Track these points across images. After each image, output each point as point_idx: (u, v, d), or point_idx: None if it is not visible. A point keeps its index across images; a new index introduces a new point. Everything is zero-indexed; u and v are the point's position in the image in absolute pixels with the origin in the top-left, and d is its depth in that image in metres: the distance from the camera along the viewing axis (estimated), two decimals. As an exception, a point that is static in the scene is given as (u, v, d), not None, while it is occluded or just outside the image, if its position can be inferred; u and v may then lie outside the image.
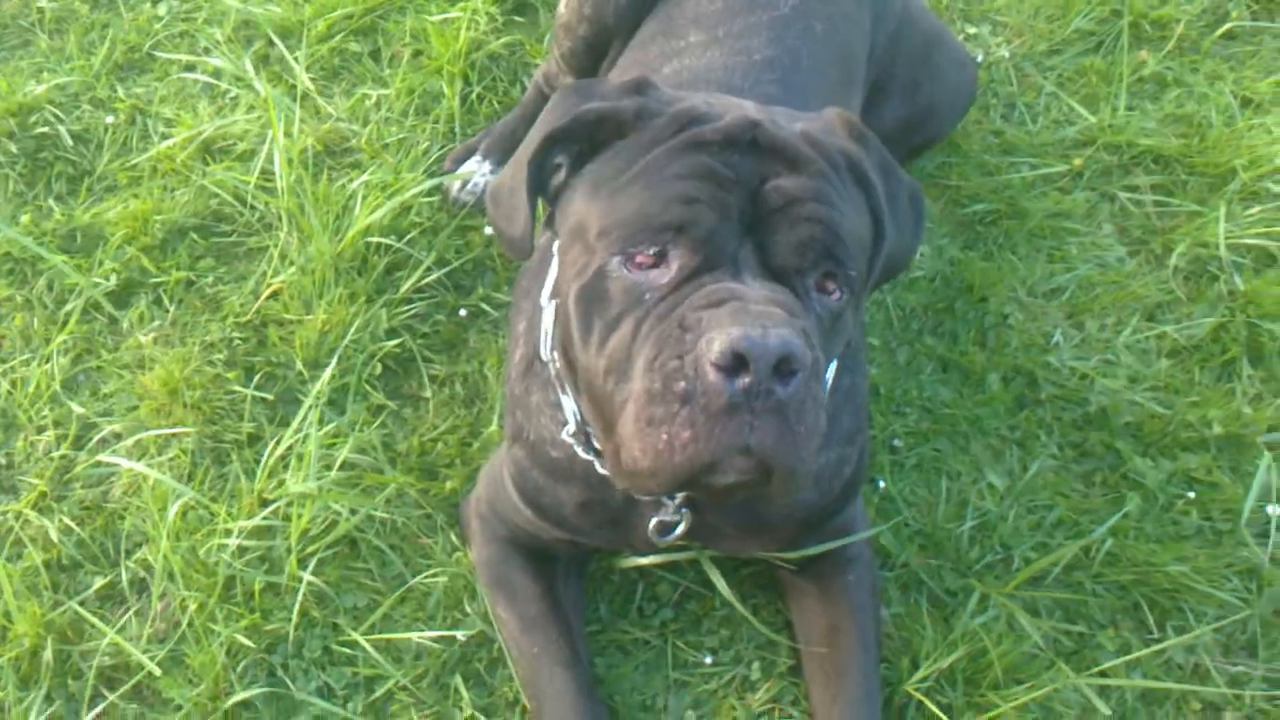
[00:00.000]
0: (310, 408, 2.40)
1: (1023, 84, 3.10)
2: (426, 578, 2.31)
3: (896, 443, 2.49)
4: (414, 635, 2.23)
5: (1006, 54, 3.14)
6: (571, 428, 1.90)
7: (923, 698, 2.11)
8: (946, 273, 2.73)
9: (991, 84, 3.09)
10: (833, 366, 1.89)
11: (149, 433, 2.46)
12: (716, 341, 1.47)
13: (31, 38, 3.21)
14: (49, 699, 2.18)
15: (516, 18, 3.20)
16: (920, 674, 2.14)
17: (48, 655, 2.19)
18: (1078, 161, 2.92)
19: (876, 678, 2.12)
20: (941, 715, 2.07)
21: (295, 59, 3.01)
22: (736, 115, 1.67)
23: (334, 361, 2.50)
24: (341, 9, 3.15)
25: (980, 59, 3.13)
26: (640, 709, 2.20)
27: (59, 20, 3.24)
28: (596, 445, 1.89)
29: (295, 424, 2.38)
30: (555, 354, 1.87)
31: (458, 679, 2.21)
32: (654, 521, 1.95)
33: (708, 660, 2.24)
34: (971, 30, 3.22)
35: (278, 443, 2.39)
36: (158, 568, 2.27)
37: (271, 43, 3.11)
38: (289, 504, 2.31)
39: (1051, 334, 2.64)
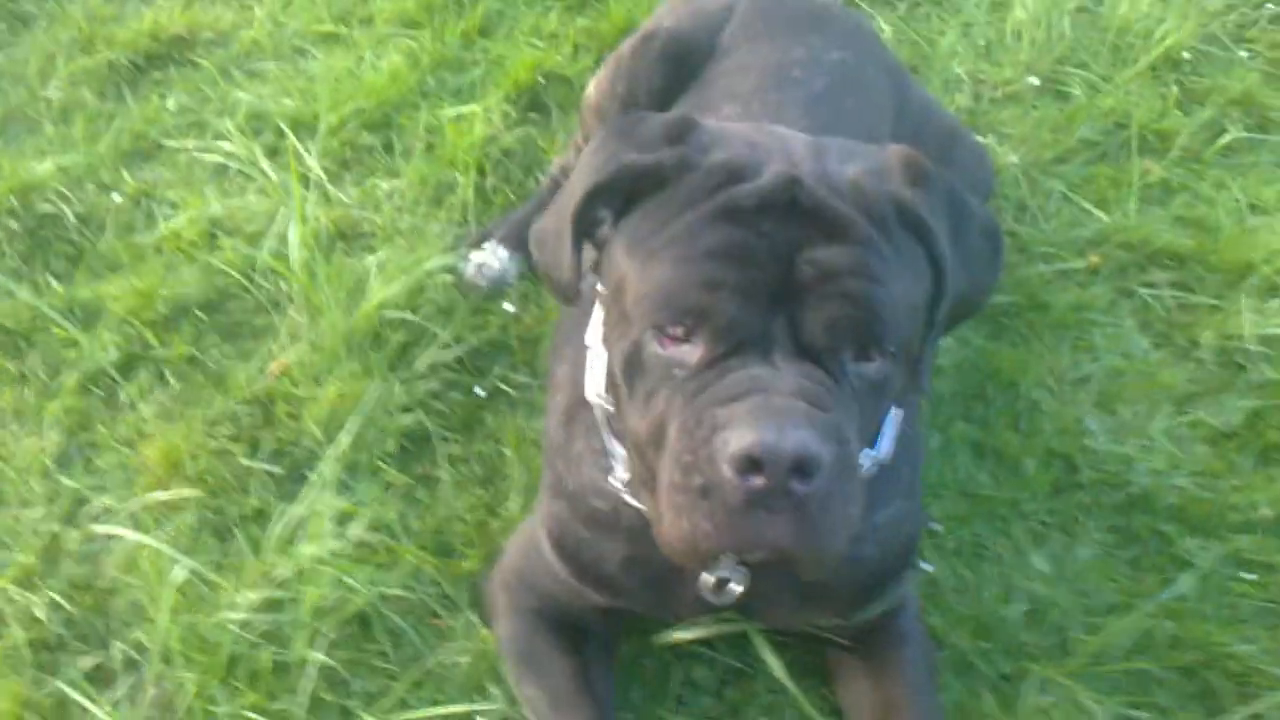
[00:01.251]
0: (322, 475, 2.26)
1: (1033, 189, 3.12)
2: (445, 657, 2.14)
3: (936, 526, 2.39)
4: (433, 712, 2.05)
5: (1015, 159, 3.17)
6: (619, 472, 1.79)
7: (994, 779, 1.96)
8: (974, 359, 2.68)
9: (1002, 189, 3.11)
10: (892, 420, 1.82)
11: (147, 499, 2.30)
12: (731, 443, 1.44)
13: (37, 126, 3.15)
14: (25, 787, 1.97)
15: (531, 114, 3.20)
16: (986, 755, 1.99)
17: (28, 735, 1.99)
18: (1094, 259, 2.92)
19: (940, 759, 1.97)
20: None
21: (307, 149, 2.97)
22: (778, 172, 1.58)
23: (345, 433, 2.37)
24: (354, 103, 3.14)
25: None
26: (680, 801, 2.02)
27: (65, 110, 3.20)
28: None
29: (306, 491, 2.24)
30: (605, 395, 1.78)
31: (480, 767, 2.03)
32: (711, 579, 1.82)
33: (752, 748, 2.08)
34: (978, 139, 3.26)
35: (284, 513, 2.24)
36: (153, 647, 2.08)
37: (282, 134, 3.07)
38: (299, 575, 2.15)
39: (1084, 420, 2.58)
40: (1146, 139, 3.24)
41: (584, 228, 1.68)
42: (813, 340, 1.53)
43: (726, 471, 1.44)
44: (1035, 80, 3.38)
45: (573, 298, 1.75)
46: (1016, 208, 3.08)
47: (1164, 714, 2.11)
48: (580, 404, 1.91)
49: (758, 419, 1.44)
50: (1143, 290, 2.87)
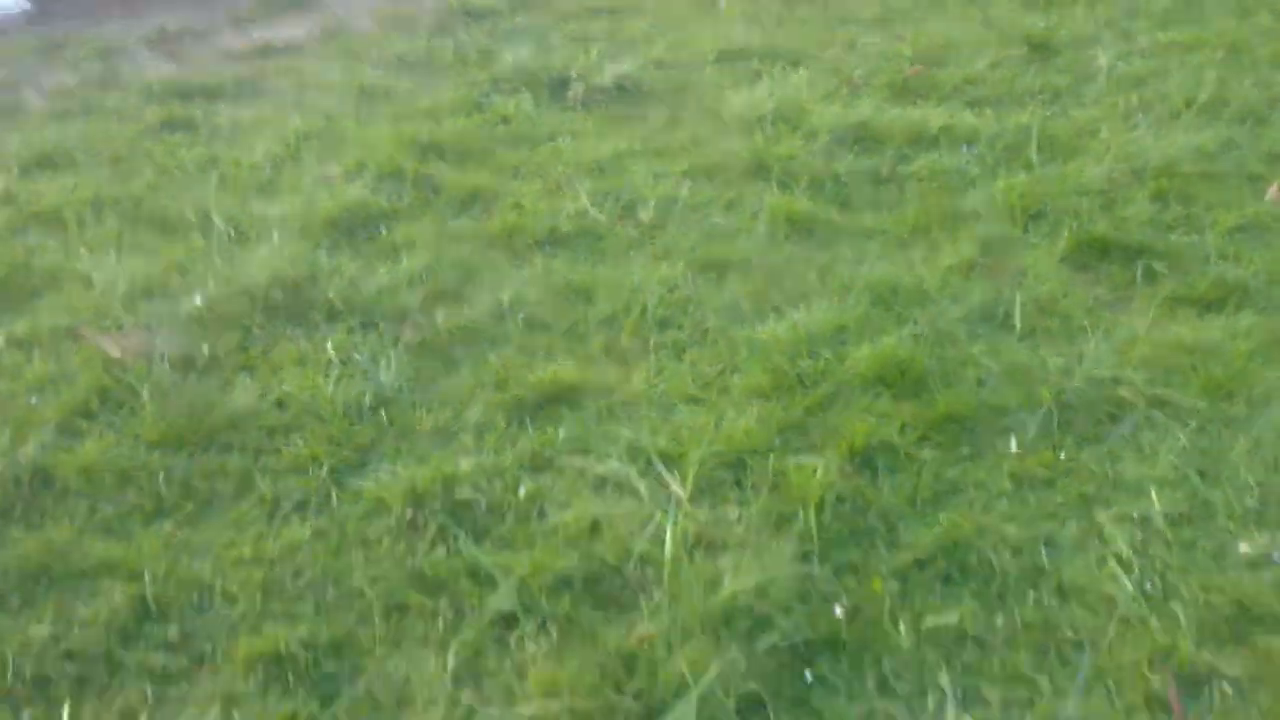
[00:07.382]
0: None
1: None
2: None
3: None
4: None
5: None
6: None
7: None
8: None
9: None
10: None
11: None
12: None
13: (455, 438, 3.90)
14: None
15: (864, 471, 3.69)
16: None
17: None
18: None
19: None
20: None
21: (674, 475, 3.56)
22: None
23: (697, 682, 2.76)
24: (713, 447, 3.74)
25: None
26: None
27: (480, 429, 3.94)
28: None
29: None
30: None
31: None
32: None
33: None
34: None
35: (647, 741, 2.61)
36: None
37: (652, 463, 3.68)
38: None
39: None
40: None
41: None
42: None
43: None
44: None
45: None
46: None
47: None
48: None
49: None
50: None
